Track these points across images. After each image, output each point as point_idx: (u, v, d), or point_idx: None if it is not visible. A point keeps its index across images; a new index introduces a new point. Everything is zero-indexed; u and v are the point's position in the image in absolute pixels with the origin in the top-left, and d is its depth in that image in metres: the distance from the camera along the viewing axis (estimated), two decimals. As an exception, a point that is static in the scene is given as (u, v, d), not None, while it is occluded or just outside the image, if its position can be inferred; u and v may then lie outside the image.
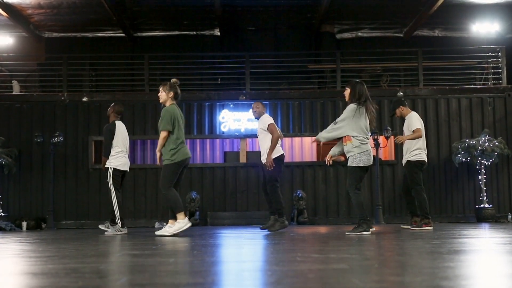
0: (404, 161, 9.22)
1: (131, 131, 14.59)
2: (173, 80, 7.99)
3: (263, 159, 9.06)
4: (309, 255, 4.25)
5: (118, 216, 8.99)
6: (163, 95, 7.88)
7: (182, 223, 7.60)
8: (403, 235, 7.09)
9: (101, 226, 9.47)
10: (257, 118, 9.40)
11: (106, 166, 9.18)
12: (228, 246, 5.79)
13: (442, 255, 4.15)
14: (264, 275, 3.00)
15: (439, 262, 3.65)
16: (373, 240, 6.26)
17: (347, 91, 7.61)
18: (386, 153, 15.47)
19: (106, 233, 9.09)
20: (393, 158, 14.70)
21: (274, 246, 5.47)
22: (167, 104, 7.88)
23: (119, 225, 9.03)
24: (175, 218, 7.70)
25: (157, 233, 7.88)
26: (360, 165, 7.41)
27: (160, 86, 7.96)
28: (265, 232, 8.78)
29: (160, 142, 7.71)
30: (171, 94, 7.85)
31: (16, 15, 15.48)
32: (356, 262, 3.67)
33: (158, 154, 7.77)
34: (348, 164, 7.48)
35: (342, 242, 5.86)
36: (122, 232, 9.03)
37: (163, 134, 7.66)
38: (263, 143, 9.14)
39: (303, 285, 2.64)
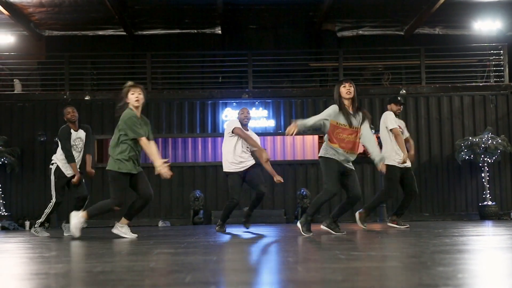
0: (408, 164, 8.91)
1: (133, 129, 14.55)
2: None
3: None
4: (348, 252, 4.25)
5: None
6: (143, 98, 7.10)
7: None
8: (414, 233, 7.11)
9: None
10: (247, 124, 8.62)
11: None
12: (256, 243, 5.78)
13: (482, 252, 4.17)
14: (326, 273, 2.99)
15: (487, 260, 3.67)
16: (394, 237, 6.28)
17: (353, 89, 6.99)
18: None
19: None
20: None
21: (304, 244, 5.46)
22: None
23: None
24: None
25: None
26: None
27: (139, 88, 7.13)
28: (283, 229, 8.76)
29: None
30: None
31: (17, 14, 15.38)
32: (404, 260, 3.67)
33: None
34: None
35: (366, 240, 5.86)
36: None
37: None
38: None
39: (377, 283, 2.63)
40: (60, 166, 8.48)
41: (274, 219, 13.58)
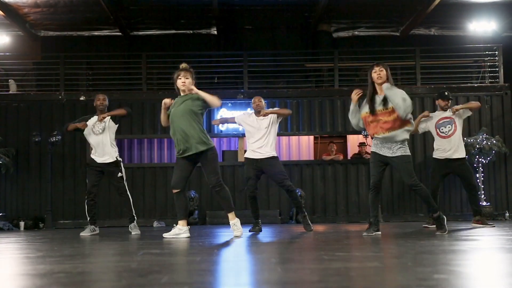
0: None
1: (128, 130, 14.59)
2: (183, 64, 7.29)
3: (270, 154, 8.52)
4: (333, 253, 4.25)
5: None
6: (190, 81, 7.06)
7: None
8: (406, 234, 7.11)
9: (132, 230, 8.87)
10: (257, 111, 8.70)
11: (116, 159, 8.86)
12: (245, 244, 5.78)
13: (467, 253, 4.17)
14: (304, 273, 2.99)
15: (468, 260, 3.67)
16: (384, 238, 6.28)
17: (384, 72, 6.70)
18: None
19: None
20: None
21: (291, 245, 5.47)
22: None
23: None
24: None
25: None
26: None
27: (183, 72, 7.13)
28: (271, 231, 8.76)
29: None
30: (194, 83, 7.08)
31: (12, 14, 15.38)
32: (386, 260, 3.68)
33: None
34: (403, 154, 6.70)
35: (355, 241, 5.87)
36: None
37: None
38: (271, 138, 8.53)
39: (351, 283, 2.64)
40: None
41: (269, 220, 13.57)
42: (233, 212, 7.00)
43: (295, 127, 14.80)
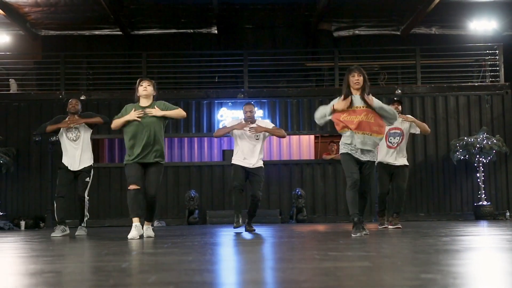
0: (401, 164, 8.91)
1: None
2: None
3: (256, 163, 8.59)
4: (325, 253, 4.25)
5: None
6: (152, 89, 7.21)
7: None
8: (403, 233, 7.10)
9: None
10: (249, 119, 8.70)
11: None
12: (239, 244, 5.78)
13: (459, 253, 4.17)
14: (292, 273, 2.99)
15: (458, 260, 3.67)
16: (379, 237, 6.28)
17: (362, 79, 6.68)
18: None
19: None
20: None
21: (286, 245, 5.47)
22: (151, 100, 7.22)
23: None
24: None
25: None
26: None
27: (146, 81, 7.22)
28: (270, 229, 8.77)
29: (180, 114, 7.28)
30: (155, 93, 7.30)
31: (13, 13, 15.39)
32: (377, 260, 3.67)
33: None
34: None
35: (351, 240, 5.86)
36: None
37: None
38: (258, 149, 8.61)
39: (336, 283, 2.64)
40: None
41: (269, 219, 13.57)
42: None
43: (295, 127, 14.80)
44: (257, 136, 8.56)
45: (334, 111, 6.66)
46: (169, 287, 2.55)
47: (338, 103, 6.66)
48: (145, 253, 4.62)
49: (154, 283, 2.67)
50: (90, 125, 8.70)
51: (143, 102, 7.18)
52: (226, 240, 6.44)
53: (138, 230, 6.85)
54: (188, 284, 2.70)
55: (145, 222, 7.21)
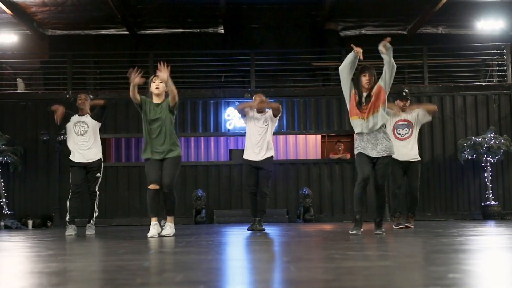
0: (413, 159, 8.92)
1: (136, 129, 14.61)
2: None
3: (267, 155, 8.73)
4: (343, 252, 4.25)
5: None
6: (164, 87, 7.27)
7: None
8: (415, 233, 7.10)
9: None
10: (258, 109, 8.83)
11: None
12: (253, 243, 5.78)
13: (478, 252, 4.17)
14: (318, 272, 2.99)
15: (479, 260, 3.67)
16: (393, 237, 6.28)
17: (372, 79, 6.87)
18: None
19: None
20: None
21: (301, 244, 5.47)
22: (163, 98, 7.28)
23: None
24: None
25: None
26: None
27: (159, 78, 7.26)
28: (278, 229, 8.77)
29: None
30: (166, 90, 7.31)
31: (20, 13, 15.41)
32: (398, 259, 3.67)
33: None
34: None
35: (365, 240, 5.86)
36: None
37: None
38: (268, 136, 8.75)
39: (366, 282, 2.63)
40: None
41: (276, 219, 13.56)
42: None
43: (302, 126, 14.79)
44: (266, 121, 8.64)
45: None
46: (200, 286, 2.55)
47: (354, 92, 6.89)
48: (163, 252, 4.62)
49: (182, 282, 2.67)
50: (97, 117, 8.73)
51: (155, 99, 7.22)
52: (238, 240, 6.44)
53: (156, 228, 6.92)
54: (217, 282, 2.71)
55: (167, 218, 7.21)
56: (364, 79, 6.83)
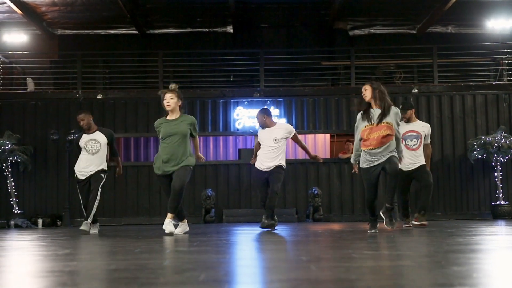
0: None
1: (145, 128, 14.64)
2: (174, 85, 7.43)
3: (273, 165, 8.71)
4: (361, 252, 4.24)
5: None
6: (175, 102, 7.24)
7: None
8: (428, 232, 7.09)
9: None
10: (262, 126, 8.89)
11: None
12: (267, 242, 5.78)
13: (496, 252, 4.15)
14: (340, 272, 2.99)
15: (500, 259, 3.65)
16: (407, 236, 6.26)
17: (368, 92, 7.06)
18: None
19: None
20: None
21: (316, 244, 5.46)
22: (178, 113, 7.28)
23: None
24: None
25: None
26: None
27: (169, 93, 7.27)
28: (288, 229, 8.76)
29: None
30: (180, 103, 7.31)
31: (30, 13, 15.46)
32: (418, 259, 3.66)
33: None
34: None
35: (380, 239, 5.85)
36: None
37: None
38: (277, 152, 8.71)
39: (391, 281, 2.63)
40: None
41: (285, 218, 13.55)
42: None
43: (311, 125, 14.78)
44: (275, 141, 8.60)
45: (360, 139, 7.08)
46: (224, 285, 2.55)
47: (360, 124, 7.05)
48: (179, 251, 4.62)
49: (206, 281, 2.67)
50: (109, 144, 8.77)
51: (170, 116, 7.22)
52: (251, 239, 6.44)
53: (172, 225, 7.18)
54: (241, 281, 2.70)
55: (168, 215, 7.26)
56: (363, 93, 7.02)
